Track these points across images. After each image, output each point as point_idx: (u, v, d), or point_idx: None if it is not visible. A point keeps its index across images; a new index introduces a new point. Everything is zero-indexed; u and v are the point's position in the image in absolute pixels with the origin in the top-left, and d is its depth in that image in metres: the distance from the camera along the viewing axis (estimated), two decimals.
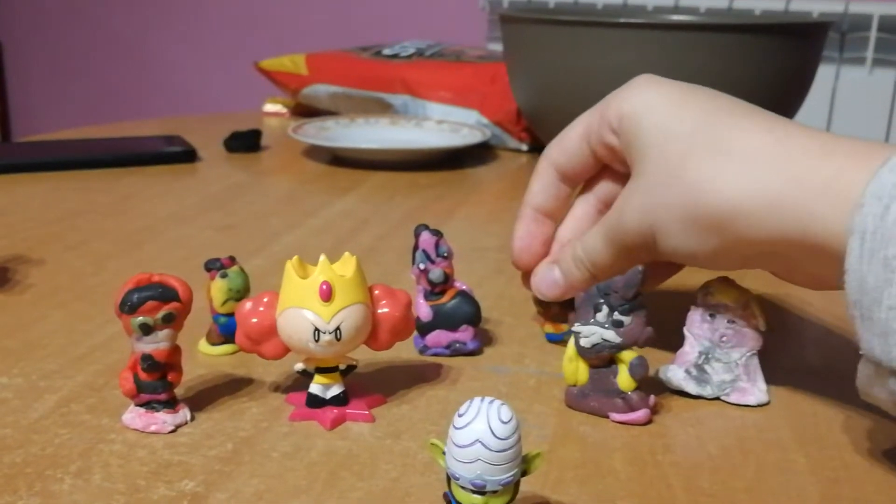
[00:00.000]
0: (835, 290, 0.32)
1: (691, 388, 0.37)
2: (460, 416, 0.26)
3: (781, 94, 0.68)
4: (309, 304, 0.34)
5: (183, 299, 0.34)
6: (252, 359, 0.40)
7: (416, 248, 0.42)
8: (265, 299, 0.35)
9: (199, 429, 0.35)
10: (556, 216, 0.42)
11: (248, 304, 0.35)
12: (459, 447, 0.26)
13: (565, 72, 0.69)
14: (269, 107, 1.08)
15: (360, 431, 0.35)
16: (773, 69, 0.66)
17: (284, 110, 1.08)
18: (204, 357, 0.41)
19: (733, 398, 0.37)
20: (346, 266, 0.35)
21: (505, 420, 0.26)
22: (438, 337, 0.41)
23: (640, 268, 0.35)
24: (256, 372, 0.39)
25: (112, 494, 0.30)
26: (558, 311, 0.43)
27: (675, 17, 0.84)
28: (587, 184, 0.41)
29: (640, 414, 0.36)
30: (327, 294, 0.34)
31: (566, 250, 0.39)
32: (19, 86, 2.55)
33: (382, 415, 0.36)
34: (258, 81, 1.53)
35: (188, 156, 0.80)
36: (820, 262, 0.31)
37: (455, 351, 0.41)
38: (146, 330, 0.33)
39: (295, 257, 0.35)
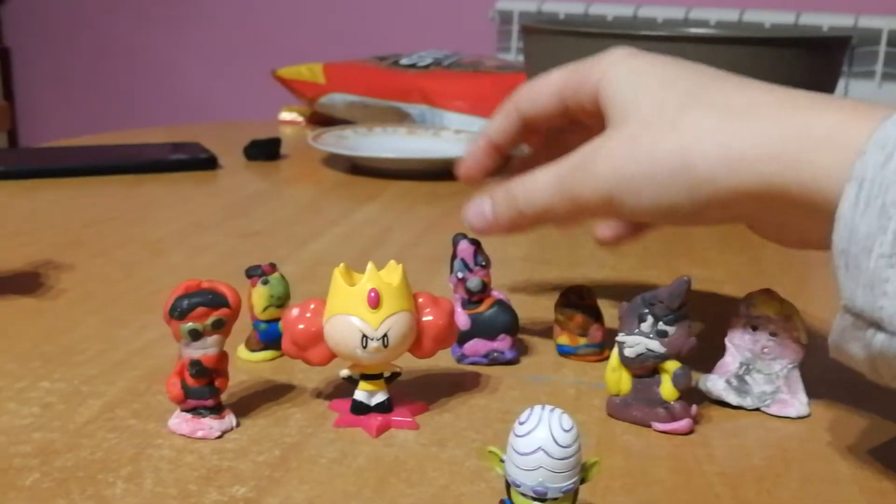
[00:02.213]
0: (820, 249, 0.32)
1: (732, 398, 0.38)
2: (521, 423, 0.26)
3: None
4: (357, 310, 0.34)
5: (232, 305, 0.34)
6: (292, 365, 0.40)
7: (454, 256, 0.42)
8: (312, 306, 0.35)
9: (246, 435, 0.35)
10: (506, 152, 0.43)
11: (294, 311, 0.35)
12: (521, 455, 0.26)
13: None
14: (286, 115, 1.09)
15: (406, 438, 0.35)
16: (796, 83, 0.66)
17: (300, 119, 1.08)
18: (243, 363, 0.41)
19: (774, 410, 0.37)
20: (393, 274, 0.35)
21: (567, 428, 0.26)
22: (476, 346, 0.41)
23: (686, 278, 0.35)
24: (297, 378, 0.40)
25: (165, 499, 0.30)
26: (581, 321, 0.43)
27: (697, 30, 0.84)
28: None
29: (683, 423, 0.36)
30: (375, 301, 0.34)
31: (504, 187, 0.39)
32: (26, 92, 2.55)
33: (426, 422, 0.36)
34: (267, 90, 1.53)
35: (209, 163, 0.80)
36: (812, 217, 0.31)
37: (493, 360, 0.42)
38: (195, 336, 0.33)
39: (342, 264, 0.35)
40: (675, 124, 0.33)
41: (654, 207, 0.34)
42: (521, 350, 0.43)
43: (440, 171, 0.81)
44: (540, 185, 0.37)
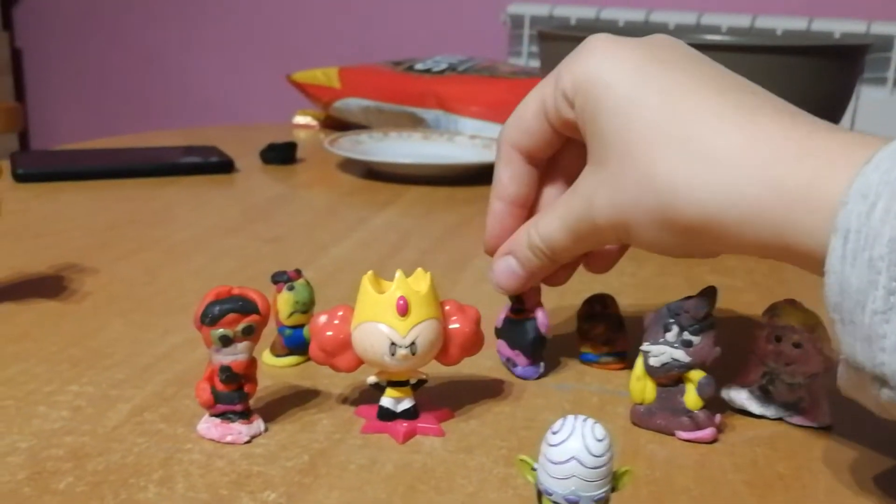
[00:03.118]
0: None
1: (754, 408, 0.38)
2: (554, 433, 0.27)
3: (821, 117, 0.69)
4: (385, 318, 0.34)
5: (262, 312, 0.34)
6: (317, 371, 0.41)
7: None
8: (340, 313, 0.36)
9: (274, 440, 0.35)
10: (528, 203, 0.40)
11: (322, 318, 0.36)
12: (554, 464, 0.26)
13: None
14: (300, 119, 1.09)
15: (433, 445, 0.35)
16: (816, 92, 0.66)
17: (315, 123, 1.09)
18: (269, 368, 0.41)
19: (796, 420, 0.38)
20: (421, 282, 0.35)
21: (599, 438, 0.26)
22: (502, 347, 0.42)
23: (712, 288, 0.35)
24: (322, 384, 0.40)
25: None
26: (604, 331, 0.43)
27: (715, 37, 0.84)
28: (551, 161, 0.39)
29: (707, 432, 0.36)
30: (404, 309, 0.34)
31: (520, 238, 0.38)
32: (38, 93, 2.57)
33: (452, 429, 0.36)
34: (281, 93, 1.54)
35: (226, 167, 0.80)
36: (802, 265, 0.30)
37: (509, 368, 0.42)
38: (226, 342, 0.34)
39: (370, 272, 0.36)
40: (652, 177, 0.32)
41: (662, 248, 0.34)
42: (545, 368, 0.42)
43: (457, 177, 0.81)
44: (556, 232, 0.37)
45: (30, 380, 0.39)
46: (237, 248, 0.59)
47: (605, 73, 0.34)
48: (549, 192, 0.40)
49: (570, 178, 0.39)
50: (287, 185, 0.79)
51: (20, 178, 0.73)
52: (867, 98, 1.53)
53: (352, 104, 1.00)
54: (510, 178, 0.39)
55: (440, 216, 0.70)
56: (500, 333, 0.42)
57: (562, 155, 0.39)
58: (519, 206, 0.40)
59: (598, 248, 0.39)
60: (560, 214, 0.36)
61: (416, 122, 0.98)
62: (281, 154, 0.86)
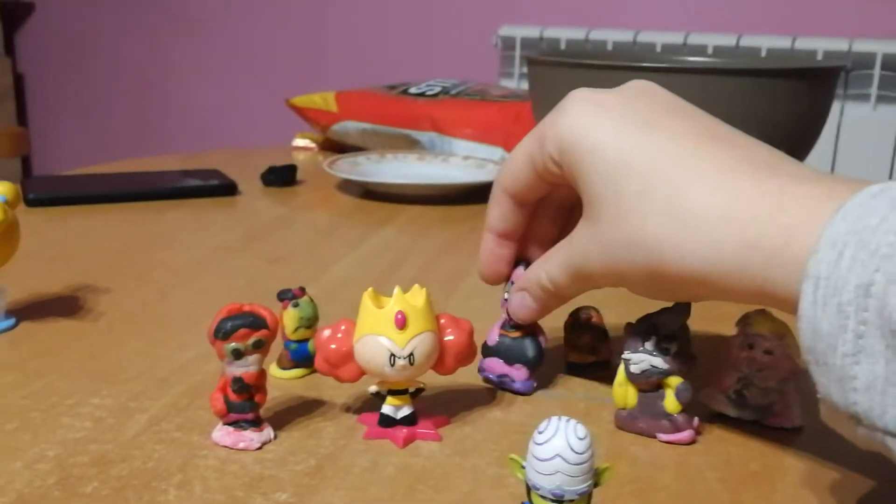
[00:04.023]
0: None
1: (731, 411, 0.41)
2: (540, 433, 0.29)
3: (799, 136, 0.72)
4: (385, 331, 0.37)
5: (271, 327, 0.37)
6: (321, 382, 0.43)
7: (507, 279, 0.44)
8: (343, 327, 0.38)
9: (282, 446, 0.38)
10: (515, 237, 0.43)
11: (326, 332, 0.39)
12: (540, 460, 0.29)
13: None
14: (299, 142, 1.12)
15: (431, 449, 0.38)
16: (794, 112, 0.70)
17: (313, 145, 1.12)
18: (276, 380, 0.44)
19: (770, 422, 0.40)
20: (417, 297, 0.38)
21: (581, 437, 0.29)
22: (493, 365, 0.44)
23: (686, 302, 0.38)
24: (327, 394, 0.43)
25: None
26: (589, 340, 0.46)
27: (695, 60, 0.88)
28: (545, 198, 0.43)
29: (686, 434, 0.39)
30: (402, 322, 0.37)
31: (531, 276, 0.41)
32: (40, 119, 2.60)
33: (448, 434, 0.39)
34: (278, 117, 1.57)
35: (229, 189, 0.83)
36: (784, 310, 0.32)
37: (502, 385, 0.44)
38: (237, 355, 0.36)
39: (370, 289, 0.38)
40: (642, 238, 0.35)
41: (654, 295, 0.38)
42: (535, 387, 0.44)
43: (451, 196, 0.84)
44: (560, 277, 0.40)
45: (52, 393, 0.42)
46: (242, 268, 0.62)
47: (588, 137, 0.37)
48: (542, 221, 0.44)
49: (560, 210, 0.43)
50: (288, 207, 0.82)
51: (31, 202, 0.76)
52: (851, 114, 1.57)
53: (349, 127, 1.03)
54: (499, 217, 0.43)
55: (436, 234, 0.73)
56: (492, 351, 0.44)
57: (554, 191, 0.42)
58: (507, 240, 0.43)
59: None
60: (561, 260, 0.40)
61: (412, 144, 1.01)
62: (281, 176, 0.89)
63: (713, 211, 0.33)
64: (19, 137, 1.54)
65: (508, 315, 0.44)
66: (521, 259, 0.44)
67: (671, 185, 0.34)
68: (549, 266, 0.40)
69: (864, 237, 0.28)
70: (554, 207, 0.44)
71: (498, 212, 0.43)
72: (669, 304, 0.39)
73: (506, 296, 0.44)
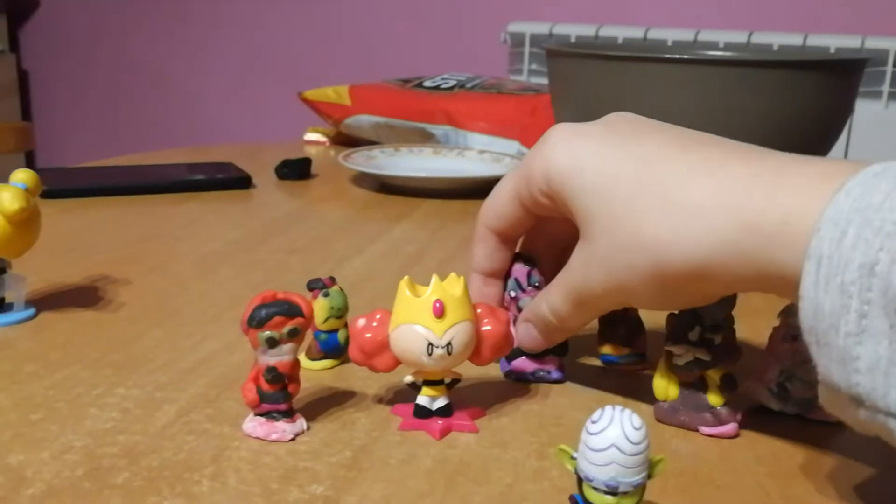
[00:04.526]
0: None
1: (774, 404, 0.40)
2: (594, 422, 0.28)
3: (822, 130, 0.71)
4: (422, 320, 0.36)
5: (306, 315, 0.36)
6: (352, 373, 0.42)
7: (507, 276, 0.44)
8: (378, 316, 0.38)
9: (316, 438, 0.37)
10: (502, 275, 0.43)
11: (361, 321, 0.38)
12: (595, 451, 0.28)
13: (611, 105, 0.72)
14: (311, 136, 1.11)
15: (468, 441, 0.37)
16: (818, 105, 0.69)
17: (325, 139, 1.11)
18: (305, 371, 0.43)
19: (813, 415, 0.39)
20: (455, 286, 0.37)
21: (637, 427, 0.28)
22: (524, 363, 0.43)
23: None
24: (358, 385, 0.42)
25: (249, 497, 0.32)
26: (624, 333, 0.45)
27: (721, 54, 0.87)
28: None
29: (730, 427, 0.38)
30: (440, 311, 0.36)
31: (534, 307, 0.41)
32: (44, 115, 2.59)
33: (484, 426, 0.38)
34: (287, 113, 1.56)
35: (245, 182, 0.82)
36: (788, 296, 0.32)
37: (538, 379, 0.43)
38: (272, 343, 0.36)
39: (406, 277, 0.37)
40: (640, 239, 0.34)
41: (658, 305, 0.36)
42: (568, 369, 0.44)
43: (467, 190, 0.83)
44: (561, 306, 0.39)
45: (77, 384, 0.41)
46: (261, 260, 0.61)
47: (574, 161, 0.37)
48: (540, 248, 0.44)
49: (554, 239, 0.43)
50: (303, 200, 0.81)
51: (45, 194, 0.75)
52: (862, 111, 1.56)
53: (362, 121, 1.02)
54: (484, 256, 0.43)
55: (454, 228, 0.72)
56: (518, 352, 0.43)
57: (544, 226, 0.43)
58: (493, 278, 0.43)
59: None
60: (561, 288, 0.39)
61: (426, 138, 1.00)
62: (296, 170, 0.88)
63: (708, 199, 0.32)
64: (24, 133, 1.53)
65: (519, 310, 0.43)
66: (520, 254, 0.44)
67: (662, 184, 0.34)
68: (551, 297, 0.39)
69: (867, 215, 0.28)
70: (549, 238, 0.43)
71: (483, 251, 0.43)
72: None
73: (512, 294, 0.43)
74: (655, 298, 0.36)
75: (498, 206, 0.41)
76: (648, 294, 0.35)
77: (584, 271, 0.37)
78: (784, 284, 0.31)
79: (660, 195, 0.34)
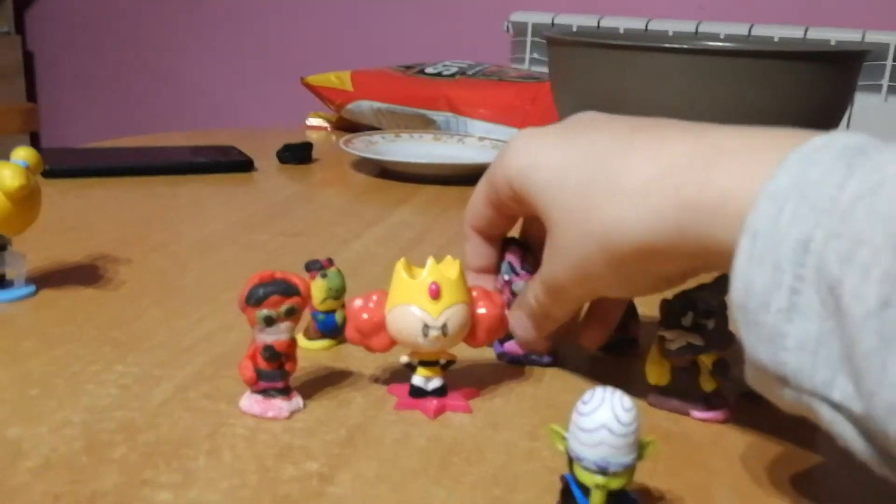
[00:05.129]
0: None
1: None
2: (585, 403, 0.29)
3: (822, 122, 0.71)
4: (418, 301, 0.36)
5: (303, 294, 0.36)
6: (349, 353, 0.43)
7: (501, 260, 0.44)
8: (374, 297, 0.38)
9: (312, 416, 0.37)
10: (492, 270, 0.44)
11: (358, 301, 0.38)
12: (585, 432, 0.28)
13: (611, 94, 0.72)
14: (312, 121, 1.11)
15: (461, 421, 0.37)
16: (818, 96, 0.69)
17: (326, 124, 1.11)
18: (303, 351, 0.43)
19: None
20: (451, 268, 0.37)
21: (627, 408, 0.28)
22: (516, 346, 0.43)
23: (726, 274, 0.37)
24: (354, 365, 0.42)
25: (245, 473, 0.32)
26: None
27: (722, 44, 0.87)
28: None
29: (721, 413, 0.38)
30: (436, 293, 0.36)
31: (524, 297, 0.41)
32: (49, 96, 2.59)
33: (478, 407, 0.39)
34: (288, 99, 1.56)
35: (246, 165, 0.83)
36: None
37: (531, 362, 0.43)
38: (269, 322, 0.36)
39: (402, 259, 0.38)
40: (590, 227, 0.35)
41: (625, 290, 0.38)
42: (558, 355, 0.44)
43: (468, 176, 0.83)
44: (544, 300, 0.40)
45: (75, 360, 0.41)
46: (262, 242, 0.61)
47: (531, 161, 0.38)
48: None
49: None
50: (304, 184, 0.81)
51: (48, 174, 0.75)
52: (861, 105, 1.56)
53: (364, 106, 1.02)
54: (472, 254, 0.44)
55: (454, 214, 0.72)
56: (510, 334, 0.43)
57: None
58: (484, 273, 0.45)
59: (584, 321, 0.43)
60: (538, 279, 0.40)
61: (427, 124, 1.00)
62: (297, 154, 0.88)
63: (650, 181, 0.33)
64: (29, 113, 1.53)
65: (512, 293, 0.43)
66: (514, 239, 0.44)
67: (608, 171, 0.35)
68: (534, 287, 0.40)
69: (805, 191, 0.27)
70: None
71: (471, 249, 0.44)
72: (707, 280, 0.38)
73: (506, 277, 0.44)
74: (617, 284, 0.36)
75: (477, 210, 0.43)
76: (608, 280, 0.36)
77: (550, 263, 0.38)
78: (726, 261, 0.30)
79: (606, 182, 0.35)
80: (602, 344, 0.43)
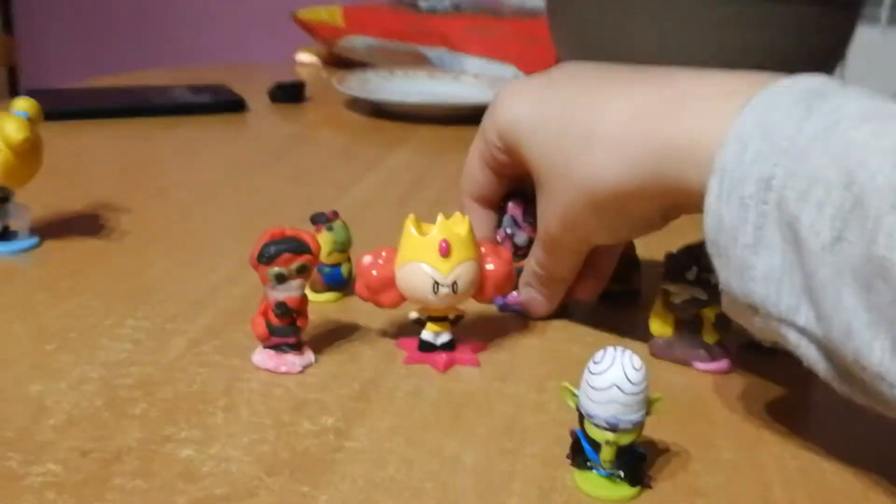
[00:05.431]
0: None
1: (766, 341, 0.41)
2: (596, 363, 0.30)
3: (823, 64, 0.71)
4: (428, 259, 0.37)
5: (314, 252, 0.37)
6: (355, 307, 0.43)
7: (503, 212, 0.44)
8: (383, 254, 0.38)
9: (324, 370, 0.38)
10: (494, 239, 0.44)
11: (367, 258, 0.38)
12: (596, 390, 0.29)
13: (611, 39, 0.71)
14: (303, 57, 1.10)
15: (471, 375, 0.38)
16: (819, 39, 0.68)
17: (317, 61, 1.09)
18: (309, 304, 0.44)
19: None
20: (460, 225, 0.38)
21: (637, 368, 0.29)
22: (517, 298, 0.44)
23: None
24: (362, 319, 0.43)
25: (263, 428, 0.33)
26: (620, 269, 0.45)
27: None
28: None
29: (723, 363, 0.39)
30: (446, 250, 0.37)
31: (527, 268, 0.42)
32: (28, 30, 2.53)
33: (486, 360, 0.39)
34: (276, 32, 1.53)
35: (238, 106, 0.82)
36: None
37: (509, 309, 0.44)
38: (281, 279, 0.36)
39: (412, 215, 0.38)
40: (571, 177, 0.36)
41: (615, 235, 0.39)
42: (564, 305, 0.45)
43: (464, 116, 0.83)
44: (544, 259, 0.41)
45: (89, 313, 0.41)
46: (261, 187, 0.61)
47: (516, 116, 0.39)
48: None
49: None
50: (299, 125, 0.81)
51: None
52: (860, 38, 1.54)
53: (356, 42, 1.01)
54: (478, 223, 0.43)
55: (452, 156, 0.72)
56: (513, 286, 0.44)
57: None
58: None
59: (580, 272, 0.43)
60: (537, 240, 0.41)
61: (420, 61, 0.99)
62: (289, 93, 0.87)
63: (623, 129, 0.34)
64: (6, 46, 1.50)
65: (514, 245, 0.44)
66: (516, 192, 0.44)
67: (583, 121, 0.36)
68: (533, 250, 0.42)
69: (767, 131, 0.29)
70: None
71: (478, 221, 0.43)
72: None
73: (508, 230, 0.44)
74: (602, 229, 0.38)
75: (473, 175, 0.43)
76: (593, 225, 0.37)
77: (543, 219, 0.39)
78: (699, 201, 0.32)
79: (580, 132, 0.36)
80: (597, 295, 0.44)
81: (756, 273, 0.30)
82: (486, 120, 0.41)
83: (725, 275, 0.31)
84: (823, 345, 0.29)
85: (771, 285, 0.29)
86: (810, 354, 0.30)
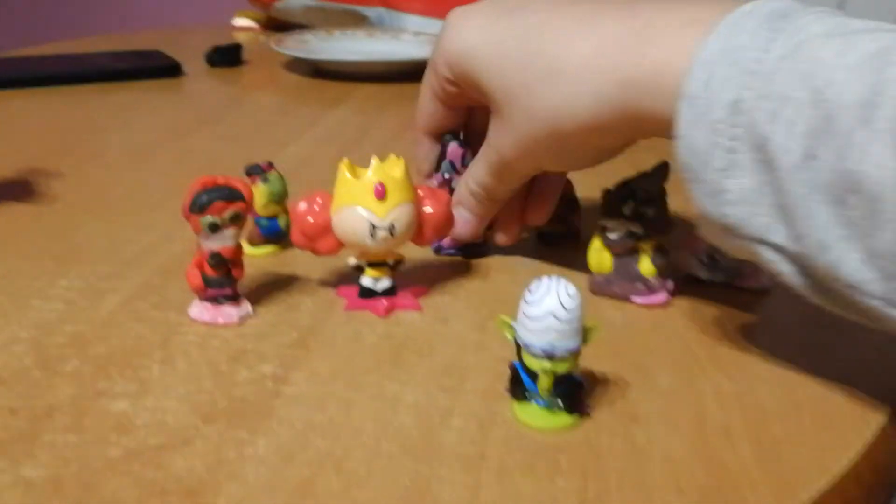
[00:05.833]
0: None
1: (703, 273, 0.41)
2: (531, 293, 0.30)
3: None
4: (364, 202, 0.36)
5: (247, 199, 0.36)
6: (294, 258, 0.43)
7: (441, 157, 0.44)
8: (319, 199, 0.38)
9: (263, 321, 0.37)
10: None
11: (302, 204, 0.38)
12: (532, 319, 0.29)
13: None
14: (240, 21, 1.08)
15: (412, 319, 0.38)
16: None
17: (255, 24, 1.07)
18: (247, 258, 0.43)
19: (740, 283, 0.41)
20: (395, 167, 0.37)
21: (571, 295, 0.29)
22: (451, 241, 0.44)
23: (666, 162, 0.38)
24: (301, 270, 0.42)
25: (199, 379, 0.33)
26: (560, 210, 0.45)
27: None
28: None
29: (661, 296, 0.39)
30: (382, 193, 0.36)
31: (462, 188, 0.42)
32: None
33: (427, 304, 0.39)
34: None
35: (174, 70, 0.80)
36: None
37: (468, 253, 0.44)
38: (214, 228, 0.36)
39: (345, 159, 0.37)
40: (534, 110, 0.36)
41: (568, 164, 0.40)
42: (489, 242, 0.45)
43: (404, 73, 0.82)
44: (485, 179, 0.41)
45: (18, 276, 0.40)
46: (196, 148, 0.60)
47: (467, 43, 0.38)
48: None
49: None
50: (236, 87, 0.79)
51: None
52: None
53: (293, 4, 0.99)
54: (423, 159, 0.45)
55: (392, 112, 0.71)
56: None
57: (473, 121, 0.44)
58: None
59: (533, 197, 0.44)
60: (483, 161, 0.41)
61: (359, 21, 0.98)
62: (227, 56, 0.85)
63: (587, 62, 0.34)
64: None
65: (451, 190, 0.43)
66: (454, 136, 0.44)
67: (545, 53, 0.36)
68: (475, 171, 0.41)
69: (734, 55, 0.30)
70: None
71: (424, 154, 0.45)
72: (647, 169, 0.39)
73: (446, 175, 0.44)
74: (560, 159, 0.38)
75: (422, 107, 0.43)
76: (555, 157, 0.38)
77: (497, 145, 0.39)
78: (667, 130, 0.32)
79: (545, 65, 0.36)
80: (546, 220, 0.44)
81: (730, 196, 0.30)
82: (435, 52, 0.41)
83: (700, 198, 0.31)
84: (799, 261, 0.30)
85: (744, 207, 0.30)
86: (786, 270, 0.30)
